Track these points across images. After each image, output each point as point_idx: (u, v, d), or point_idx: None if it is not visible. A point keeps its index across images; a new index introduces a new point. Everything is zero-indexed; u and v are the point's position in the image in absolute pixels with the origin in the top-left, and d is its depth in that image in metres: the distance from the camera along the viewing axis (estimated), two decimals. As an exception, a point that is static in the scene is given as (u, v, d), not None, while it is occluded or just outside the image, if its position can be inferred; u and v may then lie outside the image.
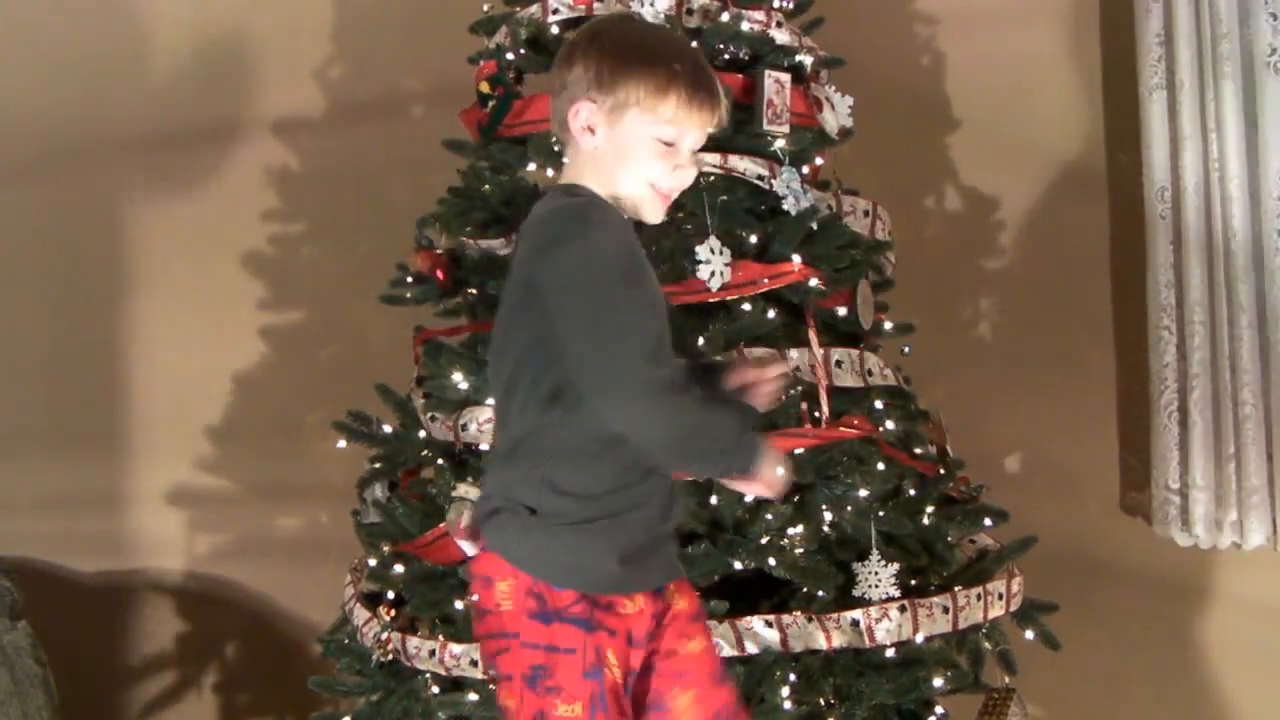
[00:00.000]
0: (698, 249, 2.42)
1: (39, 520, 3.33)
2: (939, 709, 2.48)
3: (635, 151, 1.89)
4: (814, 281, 2.50)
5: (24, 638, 2.98)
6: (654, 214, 1.94)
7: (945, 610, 2.41)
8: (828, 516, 2.43)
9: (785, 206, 2.52)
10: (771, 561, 2.34)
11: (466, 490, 2.44)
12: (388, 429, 2.76)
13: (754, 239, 2.50)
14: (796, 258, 2.48)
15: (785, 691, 2.31)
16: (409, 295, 2.73)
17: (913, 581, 2.47)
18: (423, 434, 2.65)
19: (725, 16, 2.56)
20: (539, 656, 1.83)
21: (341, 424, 2.81)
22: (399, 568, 2.56)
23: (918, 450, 2.64)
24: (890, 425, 2.57)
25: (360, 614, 2.62)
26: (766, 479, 1.86)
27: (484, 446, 2.48)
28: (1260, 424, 2.99)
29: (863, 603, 2.37)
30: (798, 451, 2.42)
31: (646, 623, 1.89)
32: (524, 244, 1.90)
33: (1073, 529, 3.23)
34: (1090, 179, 3.24)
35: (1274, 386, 3.02)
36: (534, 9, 2.66)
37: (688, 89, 1.88)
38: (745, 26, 2.58)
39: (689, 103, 1.88)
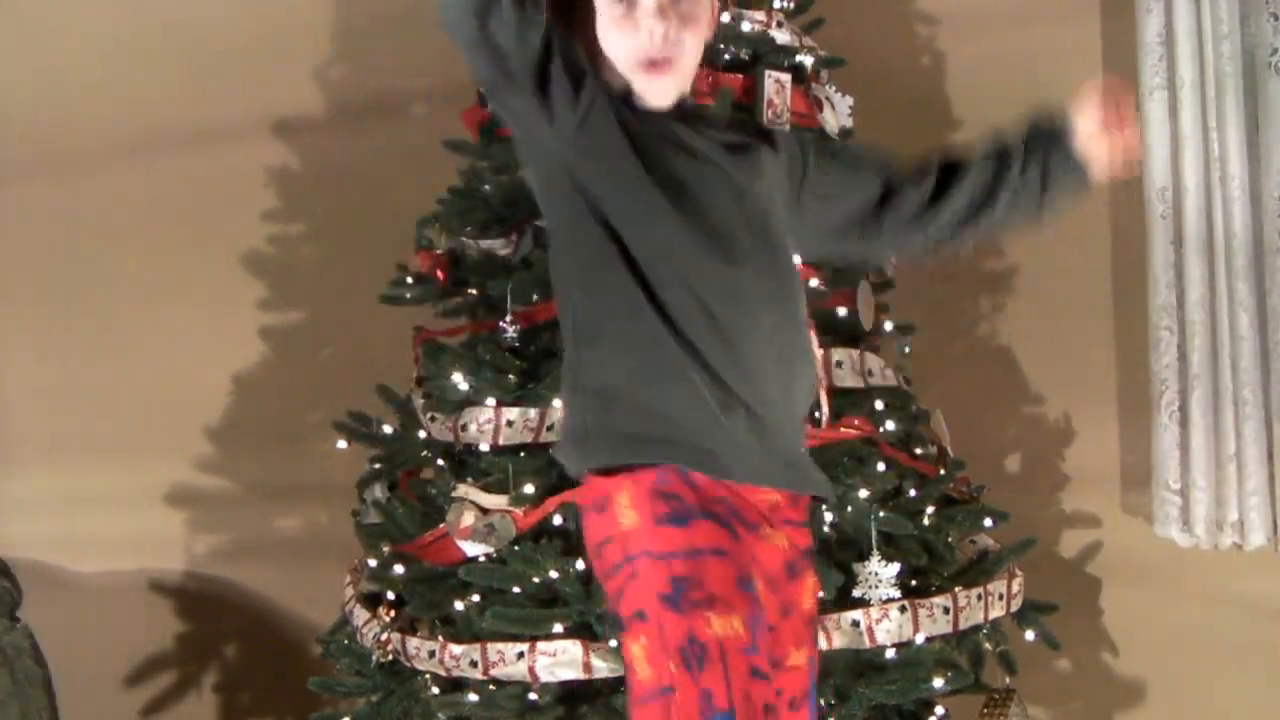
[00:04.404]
0: (698, 249, 2.42)
1: (39, 520, 3.33)
2: (939, 709, 2.48)
3: (604, 27, 1.71)
4: (814, 282, 2.50)
5: (24, 638, 2.97)
6: (652, 93, 1.72)
7: (946, 611, 2.41)
8: (828, 517, 2.42)
9: (785, 207, 2.52)
10: (772, 562, 2.34)
11: (466, 490, 2.44)
12: (388, 429, 2.76)
13: (754, 239, 2.49)
14: (797, 258, 2.48)
15: (785, 692, 2.31)
16: (409, 295, 2.74)
17: (913, 582, 2.47)
18: (423, 434, 2.65)
19: (726, 17, 2.56)
20: (674, 567, 1.53)
21: (341, 424, 2.81)
22: (399, 568, 2.56)
23: (918, 451, 2.64)
24: (890, 426, 2.57)
25: (360, 614, 2.62)
26: None
27: (484, 447, 2.48)
28: (1261, 424, 2.99)
29: (863, 603, 2.37)
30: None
31: (779, 559, 1.67)
32: None
33: (1073, 529, 3.23)
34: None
35: (1274, 386, 3.02)
36: (534, 9, 2.65)
37: None
38: (746, 26, 2.58)
39: None
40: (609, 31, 1.70)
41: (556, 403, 2.44)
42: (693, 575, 1.52)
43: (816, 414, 2.47)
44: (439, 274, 2.67)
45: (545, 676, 2.34)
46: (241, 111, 3.36)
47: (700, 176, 1.74)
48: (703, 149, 1.76)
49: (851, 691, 2.35)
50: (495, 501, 2.42)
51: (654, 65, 1.69)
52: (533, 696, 2.37)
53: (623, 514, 1.58)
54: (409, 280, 2.74)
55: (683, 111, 1.78)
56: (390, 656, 2.52)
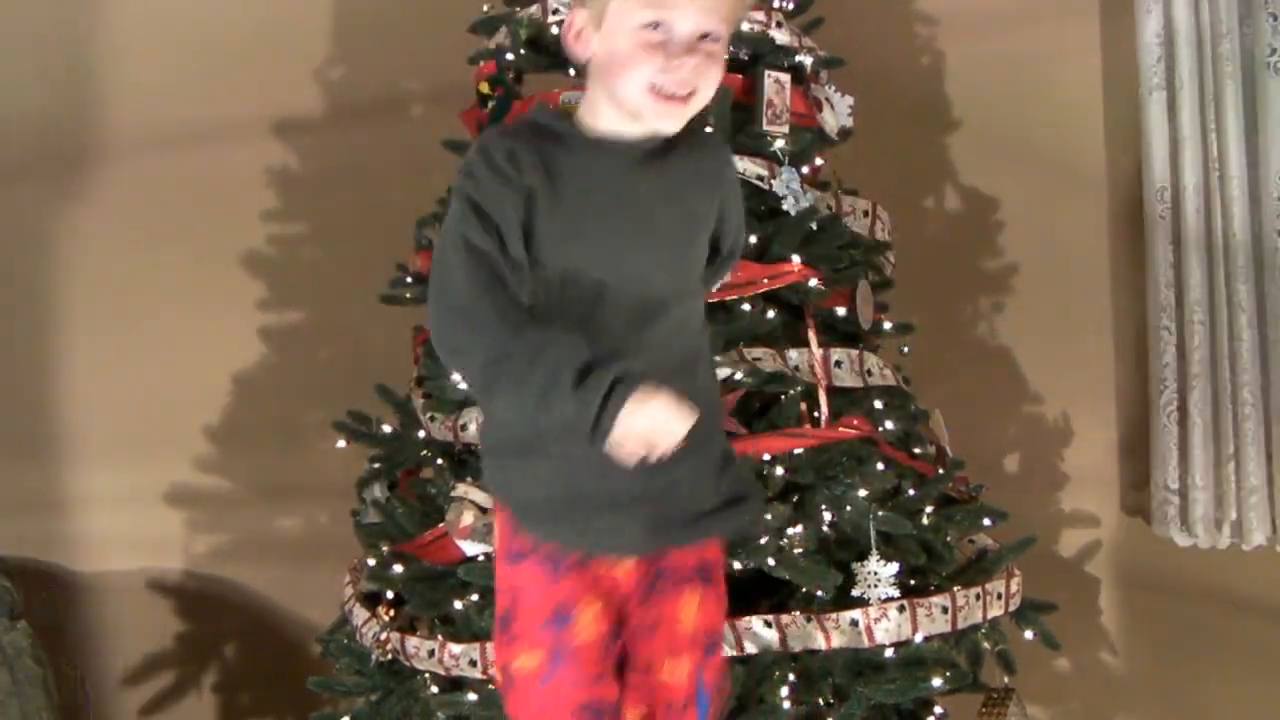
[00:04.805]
0: (697, 249, 2.42)
1: (39, 520, 3.33)
2: (938, 709, 2.48)
3: (623, 50, 1.67)
4: (813, 281, 2.50)
5: (24, 638, 2.98)
6: (661, 121, 1.72)
7: (944, 610, 2.41)
8: (827, 516, 2.43)
9: (785, 207, 2.52)
10: (771, 561, 2.34)
11: (466, 490, 2.45)
12: (387, 429, 2.77)
13: (753, 239, 2.50)
14: (796, 258, 2.49)
15: (784, 691, 2.31)
16: (409, 295, 2.74)
17: (912, 581, 2.47)
18: (422, 434, 2.65)
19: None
20: (506, 600, 1.74)
21: (341, 424, 2.81)
22: (398, 568, 2.56)
23: (917, 450, 2.64)
24: (889, 425, 2.57)
25: (359, 614, 2.62)
26: (624, 438, 1.57)
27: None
28: (1260, 424, 3.00)
29: (862, 602, 2.37)
30: (797, 452, 2.43)
31: (635, 579, 1.78)
32: None
33: (1072, 529, 3.24)
34: (1090, 179, 3.24)
35: (1274, 386, 3.02)
36: (534, 9, 2.66)
37: None
38: (745, 26, 2.58)
39: None
40: (629, 53, 1.67)
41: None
42: (511, 610, 1.74)
43: (816, 414, 2.47)
44: (438, 274, 2.66)
45: (544, 676, 2.34)
46: (241, 111, 3.36)
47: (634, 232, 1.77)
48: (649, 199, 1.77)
49: (850, 690, 2.35)
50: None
51: (672, 99, 1.68)
52: (532, 696, 2.37)
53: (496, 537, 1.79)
54: (409, 280, 2.75)
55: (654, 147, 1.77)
56: (390, 656, 2.53)
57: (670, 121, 1.72)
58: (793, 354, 2.48)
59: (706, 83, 1.70)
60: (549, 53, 2.66)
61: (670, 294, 1.78)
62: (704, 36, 1.68)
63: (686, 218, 1.83)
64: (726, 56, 1.76)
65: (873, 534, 2.41)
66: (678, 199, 1.81)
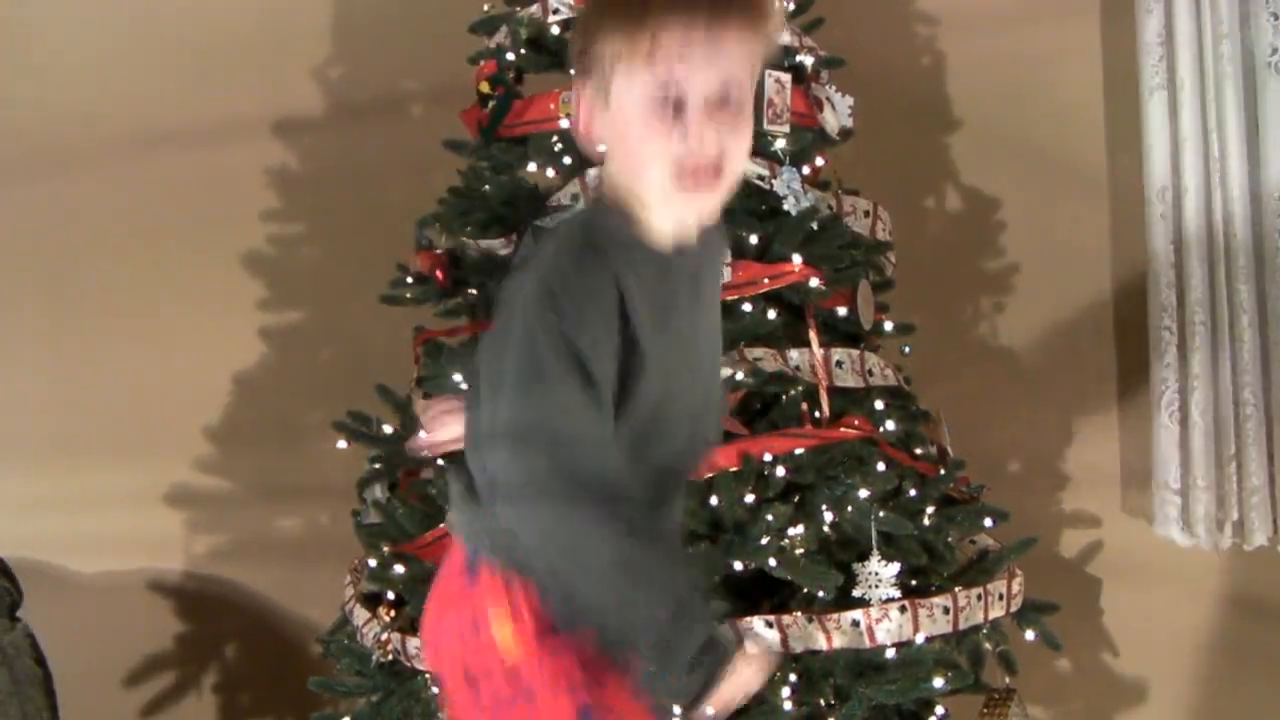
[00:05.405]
0: (698, 249, 2.42)
1: (39, 520, 3.33)
2: (939, 709, 2.48)
3: (634, 126, 1.40)
4: (814, 281, 2.50)
5: (24, 638, 2.98)
6: (692, 207, 1.45)
7: (946, 611, 2.41)
8: (828, 517, 2.42)
9: (785, 207, 2.52)
10: (772, 562, 2.34)
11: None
12: (388, 429, 2.76)
13: (754, 239, 2.50)
14: (797, 258, 2.48)
15: (785, 692, 2.31)
16: (409, 295, 2.73)
17: (913, 582, 2.47)
18: (423, 434, 2.64)
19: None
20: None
21: (341, 424, 2.81)
22: (399, 568, 2.56)
23: (918, 450, 2.64)
24: (891, 425, 2.57)
25: (360, 614, 2.62)
26: (728, 695, 1.42)
27: (484, 447, 2.48)
28: (1261, 424, 2.99)
29: (863, 603, 2.37)
30: (798, 452, 2.43)
31: None
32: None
33: (1073, 529, 3.23)
34: (1091, 179, 3.24)
35: (1275, 386, 3.02)
36: (534, 8, 2.66)
37: (657, 9, 1.37)
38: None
39: (661, 24, 1.36)
40: (641, 131, 1.41)
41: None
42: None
43: (816, 414, 2.47)
44: (439, 274, 2.67)
45: (545, 676, 2.33)
46: (241, 111, 3.36)
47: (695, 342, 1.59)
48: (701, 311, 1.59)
49: (852, 691, 2.35)
50: (495, 501, 2.42)
51: (698, 174, 1.41)
52: (533, 696, 2.37)
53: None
54: (409, 280, 2.74)
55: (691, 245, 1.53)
56: (390, 656, 2.53)
57: (704, 205, 1.47)
58: (794, 354, 2.48)
59: (736, 146, 1.43)
60: (549, 52, 2.66)
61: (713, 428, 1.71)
62: (724, 96, 1.41)
63: (717, 330, 1.67)
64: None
65: (874, 534, 2.41)
66: (712, 309, 1.65)
